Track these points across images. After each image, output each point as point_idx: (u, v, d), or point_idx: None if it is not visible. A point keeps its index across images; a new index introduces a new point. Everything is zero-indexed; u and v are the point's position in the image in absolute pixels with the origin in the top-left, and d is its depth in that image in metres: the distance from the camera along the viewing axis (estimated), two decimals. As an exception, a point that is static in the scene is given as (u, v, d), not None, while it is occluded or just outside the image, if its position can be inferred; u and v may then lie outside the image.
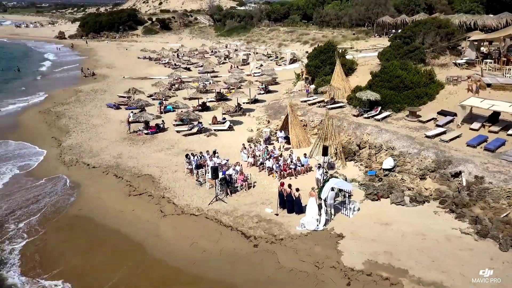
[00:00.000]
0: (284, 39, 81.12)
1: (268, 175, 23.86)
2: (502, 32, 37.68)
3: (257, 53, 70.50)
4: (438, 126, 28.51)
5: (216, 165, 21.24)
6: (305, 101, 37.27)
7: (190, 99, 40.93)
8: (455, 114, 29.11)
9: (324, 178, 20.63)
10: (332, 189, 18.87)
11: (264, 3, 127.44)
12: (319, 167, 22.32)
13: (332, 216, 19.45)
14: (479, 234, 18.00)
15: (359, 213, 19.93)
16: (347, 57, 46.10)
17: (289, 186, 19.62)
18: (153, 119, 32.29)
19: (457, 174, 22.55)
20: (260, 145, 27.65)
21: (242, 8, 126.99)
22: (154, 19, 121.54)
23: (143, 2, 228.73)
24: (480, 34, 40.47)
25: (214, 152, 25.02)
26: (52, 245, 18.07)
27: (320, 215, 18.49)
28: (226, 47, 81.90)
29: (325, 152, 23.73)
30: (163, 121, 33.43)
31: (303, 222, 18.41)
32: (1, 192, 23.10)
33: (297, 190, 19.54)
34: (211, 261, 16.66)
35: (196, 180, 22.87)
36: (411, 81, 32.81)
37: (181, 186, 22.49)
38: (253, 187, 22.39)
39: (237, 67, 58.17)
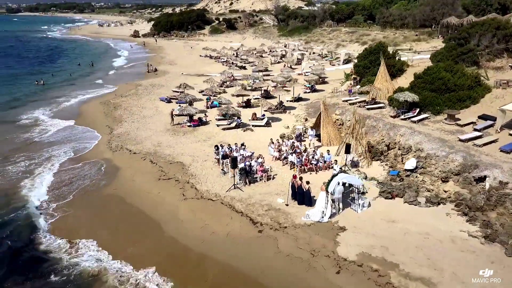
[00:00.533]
0: (344, 39, 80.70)
1: (290, 169, 24.93)
2: None
3: (313, 53, 71.03)
4: (475, 130, 27.74)
5: (236, 155, 22.78)
6: (346, 101, 37.64)
7: (238, 96, 42.83)
8: (495, 119, 28.06)
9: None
10: (339, 183, 19.56)
11: (333, 3, 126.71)
12: (335, 163, 23.03)
13: (341, 210, 20.14)
14: (487, 238, 17.81)
15: (369, 209, 20.41)
16: (402, 58, 45.51)
17: (300, 179, 20.65)
18: (197, 113, 34.54)
19: (482, 179, 22.12)
20: (288, 140, 28.71)
21: (307, 8, 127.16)
22: (221, 19, 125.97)
23: (215, 2, 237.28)
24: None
25: (242, 145, 26.65)
26: (86, 217, 20.78)
27: (326, 208, 19.31)
28: (285, 46, 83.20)
29: (347, 149, 24.47)
30: (205, 114, 35.66)
31: (308, 213, 19.39)
32: (56, 169, 26.60)
33: (308, 183, 20.52)
34: (217, 242, 18.25)
35: (221, 169, 24.59)
36: (454, 84, 31.97)
37: (207, 174, 24.36)
38: (272, 179, 23.63)
39: (290, 66, 59.27)
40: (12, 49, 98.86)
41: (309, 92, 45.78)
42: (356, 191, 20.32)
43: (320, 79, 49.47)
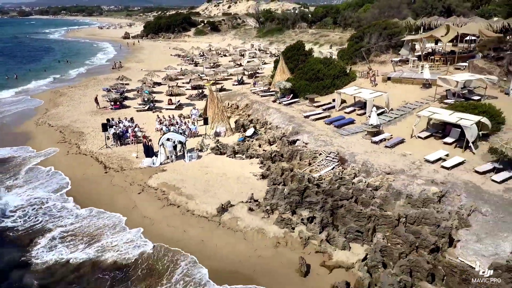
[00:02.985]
0: (306, 40, 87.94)
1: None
2: (425, 34, 42.10)
3: (270, 52, 78.54)
4: (324, 110, 35.09)
5: (114, 122, 30.66)
6: (253, 91, 45.24)
7: (193, 88, 50.65)
8: (344, 101, 35.42)
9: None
10: (168, 139, 27.18)
11: (312, 5, 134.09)
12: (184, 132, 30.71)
13: (174, 158, 27.67)
14: (262, 177, 25.14)
15: (197, 160, 27.93)
16: (316, 55, 52.83)
17: (144, 137, 28.35)
18: (117, 98, 42.48)
19: (295, 142, 29.48)
20: (184, 119, 36.33)
21: (280, 11, 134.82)
22: (205, 21, 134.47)
23: (214, 6, 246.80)
24: (411, 36, 44.74)
25: (131, 119, 34.45)
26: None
27: (157, 157, 26.96)
28: (252, 47, 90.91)
29: (205, 122, 32.12)
30: (124, 98, 43.55)
31: (143, 161, 27.06)
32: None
33: (150, 140, 28.20)
34: (78, 180, 25.94)
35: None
36: (323, 74, 39.16)
37: (94, 138, 32.24)
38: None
39: (235, 61, 66.96)
40: (6, 49, 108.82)
41: (237, 85, 53.18)
42: (184, 146, 27.84)
43: (254, 74, 56.95)
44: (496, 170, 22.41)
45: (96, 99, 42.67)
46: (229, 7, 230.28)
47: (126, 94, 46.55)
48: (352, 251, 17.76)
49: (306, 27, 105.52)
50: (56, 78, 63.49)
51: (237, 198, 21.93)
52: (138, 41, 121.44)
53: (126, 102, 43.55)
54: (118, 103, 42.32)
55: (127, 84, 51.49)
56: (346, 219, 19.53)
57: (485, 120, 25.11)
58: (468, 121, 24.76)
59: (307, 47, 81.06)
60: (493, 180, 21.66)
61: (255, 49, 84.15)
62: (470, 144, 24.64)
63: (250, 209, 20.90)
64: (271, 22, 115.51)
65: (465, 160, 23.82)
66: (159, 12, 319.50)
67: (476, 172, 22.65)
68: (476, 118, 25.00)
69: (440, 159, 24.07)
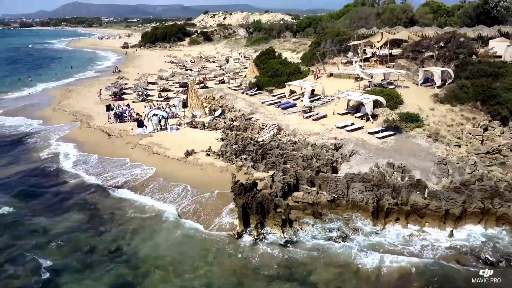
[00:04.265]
0: (287, 48, 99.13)
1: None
2: (363, 40, 53.06)
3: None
4: (277, 98, 45.83)
5: (115, 105, 41.34)
6: (227, 87, 56.01)
7: (181, 86, 61.43)
8: (293, 92, 46.14)
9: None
10: (155, 114, 37.84)
11: (293, 17, 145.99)
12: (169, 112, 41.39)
13: (159, 129, 38.27)
14: (221, 140, 35.62)
15: (177, 131, 38.48)
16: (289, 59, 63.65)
17: (137, 114, 39.04)
18: (117, 91, 53.20)
19: (250, 119, 40.08)
20: (159, 105, 47.08)
21: (266, 21, 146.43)
22: (199, 31, 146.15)
23: (210, 17, 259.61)
24: (355, 41, 55.61)
25: (128, 105, 45.18)
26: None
27: (146, 126, 37.61)
28: (239, 54, 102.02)
29: (184, 105, 42.79)
30: (123, 92, 54.32)
31: (137, 129, 37.71)
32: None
33: (140, 116, 38.90)
34: (90, 140, 36.48)
35: (109, 117, 43.05)
36: (281, 72, 49.96)
37: (99, 118, 42.91)
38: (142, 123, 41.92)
39: (220, 66, 77.96)
40: (16, 57, 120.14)
41: (218, 84, 63.84)
42: (167, 121, 38.47)
43: (235, 75, 67.74)
44: (381, 131, 33.13)
45: (99, 92, 53.34)
46: (225, 18, 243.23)
47: (124, 90, 57.23)
48: (268, 173, 28.22)
49: (290, 36, 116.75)
50: (64, 80, 74.28)
51: (199, 150, 32.50)
52: (136, 50, 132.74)
53: (124, 96, 54.18)
54: (117, 96, 52.97)
55: (125, 83, 62.30)
56: (269, 159, 30.07)
57: (381, 99, 35.84)
58: (368, 99, 35.48)
59: (287, 54, 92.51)
60: (376, 137, 32.35)
61: (240, 56, 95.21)
62: (369, 116, 35.31)
63: (207, 154, 31.49)
64: (259, 32, 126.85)
65: (363, 126, 34.52)
66: (157, 24, 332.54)
67: (368, 133, 33.32)
68: (374, 97, 35.71)
69: (346, 126, 34.76)
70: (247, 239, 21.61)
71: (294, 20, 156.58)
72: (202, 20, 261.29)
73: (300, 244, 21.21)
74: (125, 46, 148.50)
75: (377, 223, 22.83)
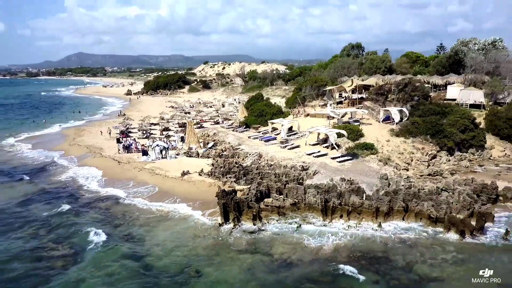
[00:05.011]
0: (277, 94, 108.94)
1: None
2: (336, 86, 62.26)
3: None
4: (262, 133, 54.21)
5: (123, 139, 49.59)
6: (220, 126, 64.64)
7: (180, 126, 70.01)
8: (275, 129, 54.54)
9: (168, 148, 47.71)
10: (157, 145, 45.97)
11: (288, 67, 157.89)
12: (171, 147, 49.62)
13: (161, 158, 46.25)
14: (212, 165, 43.51)
15: (175, 159, 46.43)
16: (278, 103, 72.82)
17: (142, 145, 47.20)
18: (124, 130, 61.68)
19: (237, 149, 48.21)
20: (163, 138, 55.37)
21: (260, 72, 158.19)
22: (198, 80, 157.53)
23: (210, 67, 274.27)
24: (330, 86, 64.84)
25: (134, 139, 53.47)
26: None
27: (151, 155, 45.63)
28: (234, 100, 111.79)
29: (182, 139, 51.08)
30: (129, 131, 62.83)
31: (142, 158, 45.70)
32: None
33: (143, 146, 47.06)
34: (103, 165, 44.38)
35: (118, 149, 51.13)
36: (266, 112, 58.73)
37: (110, 151, 50.96)
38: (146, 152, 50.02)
39: (217, 111, 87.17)
40: (28, 103, 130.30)
41: (213, 124, 72.52)
42: (167, 151, 46.55)
43: (228, 116, 76.63)
44: (341, 156, 41.17)
45: (109, 130, 61.83)
46: (223, 68, 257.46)
47: (130, 129, 65.80)
48: (247, 187, 35.89)
49: (282, 84, 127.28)
50: (75, 122, 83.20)
51: (193, 171, 40.39)
52: (139, 97, 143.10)
53: (130, 134, 62.63)
54: (124, 134, 61.41)
55: (131, 124, 70.99)
56: (248, 176, 37.87)
57: (343, 132, 44.18)
58: (332, 132, 43.80)
59: (277, 99, 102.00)
60: (336, 161, 40.35)
61: (235, 101, 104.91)
62: (334, 144, 43.47)
63: (199, 174, 39.32)
64: (254, 80, 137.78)
65: (327, 153, 42.62)
66: (159, 73, 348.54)
67: (331, 158, 41.35)
68: (337, 130, 44.06)
69: (313, 153, 42.83)
70: (226, 227, 29.04)
71: (287, 70, 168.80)
72: (202, 69, 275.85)
73: (265, 232, 28.61)
74: (129, 93, 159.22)
75: (326, 219, 30.30)
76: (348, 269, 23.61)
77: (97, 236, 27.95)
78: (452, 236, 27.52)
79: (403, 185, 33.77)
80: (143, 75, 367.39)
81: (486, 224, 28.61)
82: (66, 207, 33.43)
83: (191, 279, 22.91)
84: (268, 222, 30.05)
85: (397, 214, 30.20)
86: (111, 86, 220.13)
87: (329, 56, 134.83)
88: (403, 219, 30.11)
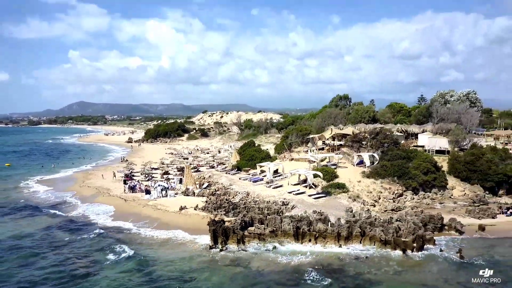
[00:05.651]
0: (269, 141, 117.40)
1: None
2: (317, 135, 70.55)
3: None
4: (251, 175, 61.80)
5: (129, 180, 57.09)
6: (215, 170, 72.31)
7: (178, 170, 77.64)
8: (263, 171, 62.23)
9: (168, 187, 55.12)
10: (159, 185, 53.39)
11: (282, 116, 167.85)
12: (171, 187, 57.10)
13: (162, 197, 53.50)
14: (206, 202, 50.76)
15: (174, 198, 53.69)
16: (263, 148, 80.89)
17: (146, 186, 54.65)
18: (128, 174, 69.21)
19: (228, 188, 55.66)
20: (164, 180, 62.87)
21: (256, 120, 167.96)
22: (197, 128, 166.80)
23: (209, 116, 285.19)
24: (313, 135, 73.16)
25: (138, 181, 60.97)
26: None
27: (153, 194, 52.96)
28: (230, 147, 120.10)
29: (180, 181, 58.63)
30: (133, 174, 70.36)
31: (145, 196, 53.01)
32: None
33: (147, 186, 54.48)
34: (110, 200, 51.57)
35: (124, 189, 58.46)
36: (256, 157, 66.61)
37: (116, 190, 58.26)
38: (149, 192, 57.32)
39: (213, 156, 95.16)
40: (35, 150, 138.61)
41: (209, 168, 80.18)
42: (167, 191, 53.91)
43: (223, 161, 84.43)
44: (316, 194, 48.59)
45: (113, 173, 69.37)
46: (221, 117, 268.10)
47: (133, 173, 73.40)
48: (234, 218, 42.98)
49: (275, 132, 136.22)
50: (82, 167, 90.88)
51: (190, 207, 47.61)
52: (140, 144, 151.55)
53: (134, 177, 70.10)
54: (128, 177, 68.91)
55: (133, 168, 78.64)
56: (236, 210, 45.08)
57: (319, 173, 51.82)
58: (309, 173, 51.47)
59: (269, 146, 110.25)
60: (312, 198, 47.71)
61: (231, 148, 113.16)
62: (311, 184, 50.98)
63: (195, 209, 46.54)
64: (249, 129, 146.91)
65: (305, 191, 50.06)
66: (159, 121, 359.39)
67: (308, 196, 48.74)
68: (314, 172, 51.74)
69: (293, 191, 50.27)
70: (215, 250, 36.04)
71: (282, 119, 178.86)
72: (201, 118, 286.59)
73: (247, 252, 35.58)
74: (130, 141, 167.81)
75: (297, 242, 37.31)
76: (310, 276, 30.48)
77: (112, 255, 34.84)
78: (397, 254, 34.52)
79: (364, 216, 40.97)
80: (143, 123, 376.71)
81: (427, 246, 35.70)
82: (84, 234, 40.39)
83: (187, 284, 29.72)
84: (249, 245, 36.99)
85: (355, 238, 37.22)
86: (112, 134, 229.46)
87: (325, 105, 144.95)
88: (360, 242, 37.08)
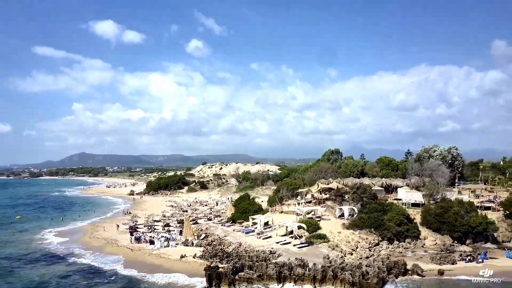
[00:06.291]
0: (265, 194, 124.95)
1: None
2: (305, 189, 78.53)
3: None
4: (244, 227, 69.17)
5: (135, 231, 64.47)
6: (212, 222, 79.70)
7: (178, 222, 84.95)
8: (255, 223, 69.74)
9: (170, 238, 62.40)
10: (162, 236, 60.71)
11: (280, 168, 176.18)
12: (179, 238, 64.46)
13: (164, 247, 60.69)
14: (203, 251, 58.03)
15: (176, 248, 60.87)
16: (257, 200, 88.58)
17: (150, 237, 62.00)
18: (132, 226, 76.51)
19: (223, 244, 63.03)
20: (165, 231, 70.13)
21: (254, 172, 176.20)
22: (196, 181, 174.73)
23: (208, 167, 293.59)
24: (302, 189, 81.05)
25: (142, 232, 68.28)
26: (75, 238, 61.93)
27: (156, 245, 60.19)
28: (228, 199, 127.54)
29: (180, 232, 66.08)
30: (137, 226, 77.64)
31: (149, 246, 60.23)
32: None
33: (151, 237, 61.82)
34: (119, 250, 58.74)
35: (131, 239, 65.67)
36: (249, 209, 74.24)
37: (123, 241, 65.46)
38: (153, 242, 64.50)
39: (210, 208, 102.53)
40: (41, 203, 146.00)
41: (206, 221, 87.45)
42: (169, 241, 61.20)
43: (219, 214, 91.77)
44: (300, 244, 55.95)
45: (117, 226, 76.65)
46: (221, 168, 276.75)
47: (137, 225, 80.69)
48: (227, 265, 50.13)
49: (271, 184, 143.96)
50: (88, 219, 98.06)
51: (189, 255, 54.83)
52: (141, 197, 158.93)
53: (138, 229, 77.33)
54: (133, 229, 76.16)
55: (137, 220, 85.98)
56: (229, 258, 52.30)
57: (303, 225, 59.41)
58: (295, 225, 59.06)
59: (265, 198, 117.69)
60: (297, 247, 55.04)
61: (228, 200, 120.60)
62: (296, 235, 58.44)
63: (193, 257, 53.75)
64: (247, 181, 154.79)
65: (290, 241, 57.44)
66: (159, 173, 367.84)
67: (293, 245, 56.11)
68: (298, 224, 59.34)
69: (280, 241, 57.65)
70: (210, 291, 43.19)
71: (279, 170, 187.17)
72: (201, 170, 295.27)
73: (237, 292, 42.68)
74: (132, 193, 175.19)
75: (279, 284, 44.41)
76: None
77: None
78: (361, 293, 41.60)
79: (338, 262, 48.21)
80: (143, 175, 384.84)
81: (388, 286, 42.83)
82: (97, 279, 47.50)
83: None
84: (239, 287, 44.07)
85: (329, 280, 44.33)
86: (114, 187, 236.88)
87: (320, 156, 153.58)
88: (333, 285, 44.14)
